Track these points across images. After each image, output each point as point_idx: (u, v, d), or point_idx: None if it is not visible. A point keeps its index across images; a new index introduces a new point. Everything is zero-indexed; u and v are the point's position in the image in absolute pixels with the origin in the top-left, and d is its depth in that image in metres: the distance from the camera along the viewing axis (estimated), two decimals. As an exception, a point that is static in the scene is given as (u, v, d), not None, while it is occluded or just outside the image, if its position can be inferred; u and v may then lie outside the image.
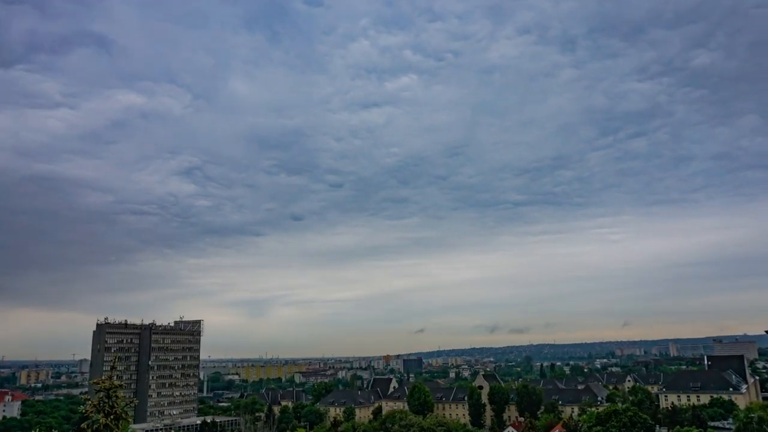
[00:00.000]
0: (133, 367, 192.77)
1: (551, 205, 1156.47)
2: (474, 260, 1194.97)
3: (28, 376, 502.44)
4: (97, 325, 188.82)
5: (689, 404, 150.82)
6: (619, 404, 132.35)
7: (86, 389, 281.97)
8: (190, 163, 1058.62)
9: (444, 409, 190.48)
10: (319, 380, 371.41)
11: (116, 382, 26.35)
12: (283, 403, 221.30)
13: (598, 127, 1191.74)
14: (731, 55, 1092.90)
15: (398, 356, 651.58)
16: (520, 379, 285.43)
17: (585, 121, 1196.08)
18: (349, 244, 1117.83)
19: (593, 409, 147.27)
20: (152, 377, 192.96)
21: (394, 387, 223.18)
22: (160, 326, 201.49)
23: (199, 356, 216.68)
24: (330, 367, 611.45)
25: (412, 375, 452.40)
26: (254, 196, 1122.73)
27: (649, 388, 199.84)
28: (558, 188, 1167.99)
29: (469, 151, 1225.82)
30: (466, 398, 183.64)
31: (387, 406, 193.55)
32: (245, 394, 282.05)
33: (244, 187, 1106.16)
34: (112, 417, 27.35)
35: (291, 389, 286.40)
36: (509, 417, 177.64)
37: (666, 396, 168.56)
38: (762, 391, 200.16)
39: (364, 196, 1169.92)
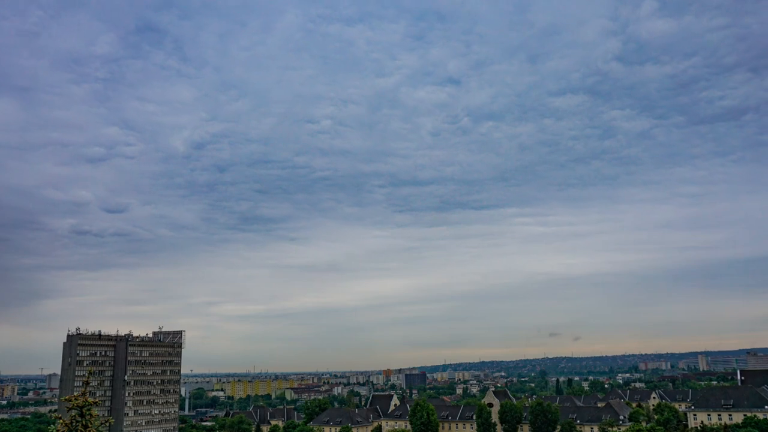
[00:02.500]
0: (107, 383, 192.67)
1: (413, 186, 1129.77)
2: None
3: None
4: (68, 336, 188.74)
5: (720, 423, 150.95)
6: (644, 423, 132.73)
7: (56, 407, 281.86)
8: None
9: (450, 428, 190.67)
10: (312, 397, 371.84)
11: (89, 399, 26.39)
12: (273, 423, 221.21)
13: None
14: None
15: (400, 371, 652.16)
16: (534, 396, 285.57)
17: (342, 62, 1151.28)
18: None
19: (615, 428, 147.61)
20: (129, 393, 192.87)
21: (395, 404, 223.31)
22: (137, 337, 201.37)
23: (180, 370, 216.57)
24: (324, 382, 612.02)
25: (415, 391, 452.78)
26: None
27: (677, 405, 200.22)
28: (399, 157, 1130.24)
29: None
30: (474, 417, 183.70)
31: (387, 426, 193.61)
32: (231, 412, 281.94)
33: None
34: (85, 437, 27.45)
35: (282, 407, 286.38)
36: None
37: (695, 414, 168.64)
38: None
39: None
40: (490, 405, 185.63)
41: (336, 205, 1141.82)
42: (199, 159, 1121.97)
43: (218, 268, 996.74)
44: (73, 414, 27.47)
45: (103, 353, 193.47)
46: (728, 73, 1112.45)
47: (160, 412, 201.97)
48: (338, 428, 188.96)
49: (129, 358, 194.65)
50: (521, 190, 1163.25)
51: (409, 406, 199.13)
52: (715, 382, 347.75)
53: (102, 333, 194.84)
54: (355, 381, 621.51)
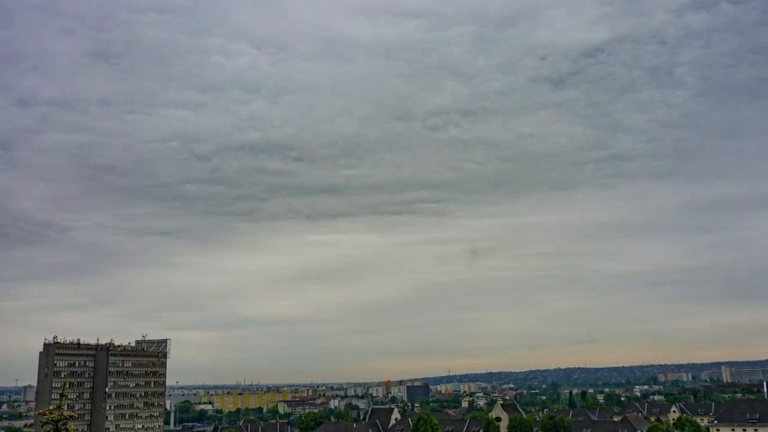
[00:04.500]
0: (86, 395, 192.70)
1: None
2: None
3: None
4: (45, 345, 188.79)
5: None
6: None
7: (31, 421, 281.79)
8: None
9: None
10: (307, 410, 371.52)
11: (67, 413, 26.26)
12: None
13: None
14: None
15: (401, 382, 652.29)
16: (546, 410, 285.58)
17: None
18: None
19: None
20: (109, 407, 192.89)
21: (395, 419, 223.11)
22: (118, 347, 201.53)
23: (165, 382, 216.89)
24: (320, 394, 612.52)
25: (417, 404, 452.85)
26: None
27: (698, 419, 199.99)
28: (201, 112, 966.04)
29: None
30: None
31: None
32: (219, 426, 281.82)
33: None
34: (61, 454, 27.32)
35: (274, 421, 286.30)
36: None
37: (718, 429, 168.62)
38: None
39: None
40: (498, 419, 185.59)
41: (177, 185, 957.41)
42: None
43: (129, 269, 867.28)
44: (49, 428, 27.30)
45: (82, 363, 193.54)
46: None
47: (143, 426, 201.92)
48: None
49: (110, 369, 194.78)
50: (403, 164, 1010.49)
51: (411, 420, 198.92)
52: (739, 395, 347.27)
53: (81, 342, 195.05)
54: (353, 393, 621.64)
